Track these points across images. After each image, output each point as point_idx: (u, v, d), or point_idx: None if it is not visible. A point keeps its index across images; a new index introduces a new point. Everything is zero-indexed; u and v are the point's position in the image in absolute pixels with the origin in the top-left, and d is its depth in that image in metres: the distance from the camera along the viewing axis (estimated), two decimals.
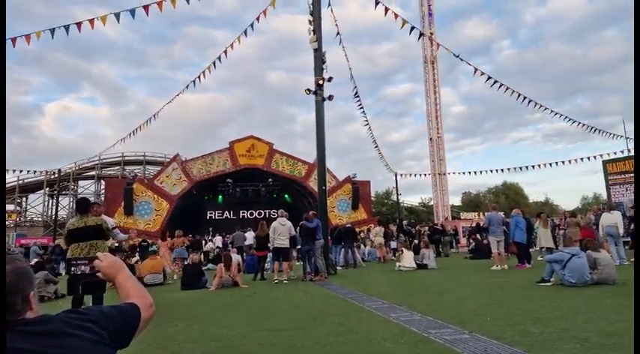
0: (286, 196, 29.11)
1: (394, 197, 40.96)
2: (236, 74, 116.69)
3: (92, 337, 1.14)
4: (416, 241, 18.46)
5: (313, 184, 23.57)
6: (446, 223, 27.28)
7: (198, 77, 15.91)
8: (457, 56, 15.20)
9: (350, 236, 14.62)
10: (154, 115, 17.46)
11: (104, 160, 37.90)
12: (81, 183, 41.32)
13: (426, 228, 20.97)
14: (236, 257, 13.50)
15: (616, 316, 4.43)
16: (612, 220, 10.54)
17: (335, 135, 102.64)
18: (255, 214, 29.17)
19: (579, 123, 22.60)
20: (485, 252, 14.58)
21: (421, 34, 16.09)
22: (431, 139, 34.49)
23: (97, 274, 1.45)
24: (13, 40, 11.16)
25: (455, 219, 34.61)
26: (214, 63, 15.25)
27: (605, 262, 6.99)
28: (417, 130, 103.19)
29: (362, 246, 18.14)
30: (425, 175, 35.00)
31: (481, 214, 35.11)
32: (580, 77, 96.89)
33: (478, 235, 20.46)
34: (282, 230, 10.13)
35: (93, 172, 39.79)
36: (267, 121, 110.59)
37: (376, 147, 26.23)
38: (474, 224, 23.98)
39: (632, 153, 26.89)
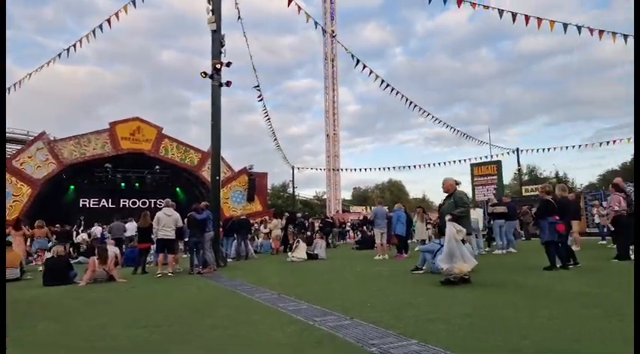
0: (175, 185, 27.52)
1: (290, 190, 41.56)
2: (121, 48, 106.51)
3: None
4: (309, 233, 18.99)
5: (206, 173, 22.69)
6: (337, 216, 28.57)
7: (74, 45, 14.05)
8: (354, 57, 15.88)
9: (244, 228, 14.44)
10: (14, 85, 15.02)
11: None
12: None
13: (319, 220, 21.73)
14: (113, 249, 12.40)
15: (472, 299, 5.09)
16: (474, 215, 12.15)
17: (232, 124, 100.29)
18: (139, 203, 27.12)
19: (455, 129, 25.41)
20: (370, 243, 15.62)
21: (324, 31, 16.46)
22: (327, 135, 35.70)
23: None
24: None
25: (345, 212, 36.42)
26: (94, 31, 13.64)
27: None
28: (315, 125, 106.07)
29: (255, 238, 18.04)
30: (321, 169, 36.18)
31: (368, 208, 37.48)
32: (458, 89, 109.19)
33: (365, 228, 21.82)
34: (167, 221, 9.56)
35: None
36: (156, 104, 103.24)
37: (275, 139, 26.30)
38: (361, 217, 25.49)
39: (494, 158, 31.18)
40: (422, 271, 7.96)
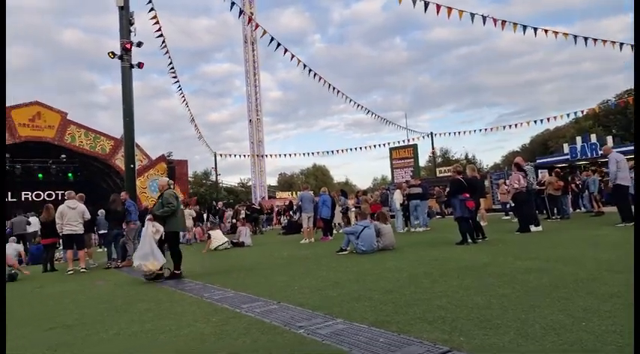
0: (83, 175, 25.27)
1: (213, 178, 40.31)
2: (14, 26, 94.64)
3: None
4: (234, 220, 18.65)
5: (120, 162, 21.22)
6: (263, 202, 28.37)
7: None
8: (273, 39, 15.62)
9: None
10: None
11: None
12: None
13: (245, 207, 21.43)
14: (15, 247, 11.25)
15: (394, 275, 5.35)
16: (396, 196, 12.85)
17: (148, 110, 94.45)
18: (44, 195, 24.65)
19: (376, 115, 26.35)
20: (296, 228, 15.78)
21: (241, 12, 15.92)
22: (250, 120, 34.99)
23: None
24: None
25: (271, 198, 36.28)
26: None
27: (386, 231, 8.33)
28: (237, 111, 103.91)
29: None
30: (244, 156, 35.49)
31: (294, 193, 37.73)
32: (374, 76, 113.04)
33: (291, 213, 21.94)
34: (71, 215, 8.76)
35: None
36: (58, 88, 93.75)
37: (195, 126, 25.24)
38: (287, 203, 25.57)
39: (411, 142, 32.93)
40: (346, 252, 8.21)
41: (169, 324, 3.75)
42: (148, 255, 6.39)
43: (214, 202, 22.69)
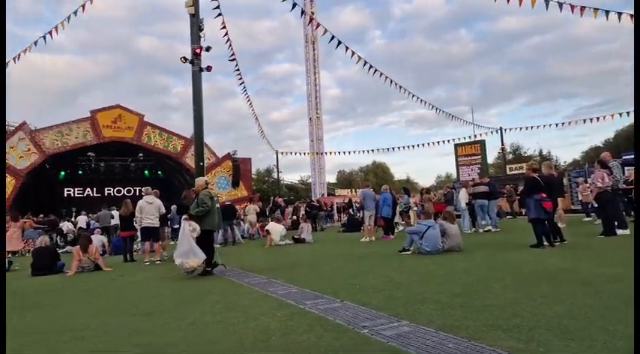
0: (160, 172, 27.15)
1: (275, 175, 41.39)
2: (100, 37, 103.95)
3: None
4: (295, 217, 19.01)
5: (190, 160, 22.44)
6: (322, 199, 28.59)
7: (50, 33, 13.86)
8: (334, 37, 15.60)
9: (229, 214, 14.34)
10: None
11: None
12: None
13: (304, 204, 21.76)
14: (100, 238, 12.26)
15: (462, 278, 5.13)
16: (462, 195, 12.31)
17: (215, 110, 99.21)
18: (124, 191, 26.74)
19: (440, 110, 25.42)
20: (356, 225, 15.72)
21: (303, 12, 16.11)
22: (310, 119, 35.42)
23: None
24: None
25: (330, 195, 36.47)
26: (69, 18, 13.58)
27: (452, 231, 8.00)
28: (297, 110, 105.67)
29: (242, 223, 18.02)
30: (304, 154, 35.98)
31: (354, 190, 37.61)
32: (437, 71, 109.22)
33: (350, 210, 21.90)
34: (149, 209, 9.43)
35: None
36: (137, 91, 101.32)
37: (258, 124, 26.04)
38: (347, 200, 25.54)
39: (478, 138, 31.36)
40: (409, 252, 8.01)
41: (237, 316, 3.89)
42: (188, 252, 6.63)
43: (272, 198, 23.34)
